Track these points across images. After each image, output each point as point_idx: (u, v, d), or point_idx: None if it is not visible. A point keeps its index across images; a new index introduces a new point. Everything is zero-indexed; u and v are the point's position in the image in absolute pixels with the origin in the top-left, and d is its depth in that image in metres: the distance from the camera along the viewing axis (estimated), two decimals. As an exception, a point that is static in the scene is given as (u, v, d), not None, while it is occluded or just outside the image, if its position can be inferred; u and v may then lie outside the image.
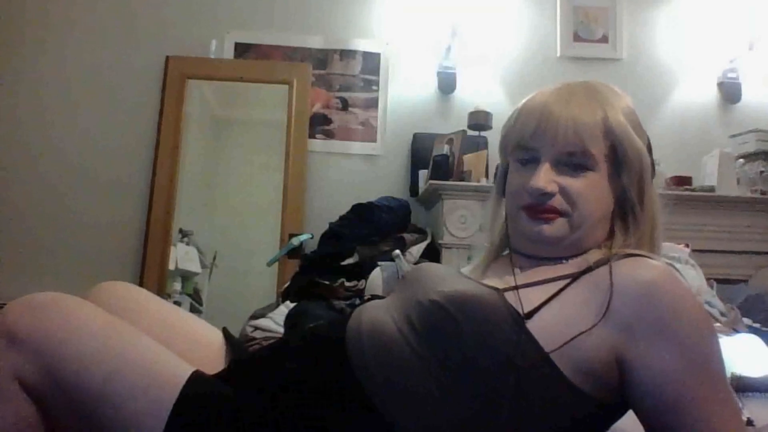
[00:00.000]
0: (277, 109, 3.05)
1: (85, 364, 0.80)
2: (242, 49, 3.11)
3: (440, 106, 3.14)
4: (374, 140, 3.11)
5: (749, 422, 1.27)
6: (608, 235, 0.97)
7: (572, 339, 0.81)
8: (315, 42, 3.13)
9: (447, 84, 3.12)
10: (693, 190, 2.73)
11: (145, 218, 2.90)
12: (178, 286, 2.91)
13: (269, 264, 2.83)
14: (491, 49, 3.12)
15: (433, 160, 2.75)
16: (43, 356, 0.80)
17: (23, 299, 0.84)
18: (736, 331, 1.76)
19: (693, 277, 1.89)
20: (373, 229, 2.62)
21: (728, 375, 1.39)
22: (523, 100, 1.01)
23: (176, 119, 2.96)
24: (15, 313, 0.82)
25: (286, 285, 2.63)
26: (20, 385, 0.80)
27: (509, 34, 3.17)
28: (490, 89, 3.11)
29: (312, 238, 2.84)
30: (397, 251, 2.34)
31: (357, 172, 3.07)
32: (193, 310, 2.91)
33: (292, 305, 2.25)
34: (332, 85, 3.12)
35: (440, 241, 2.64)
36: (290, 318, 2.10)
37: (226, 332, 1.09)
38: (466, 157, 2.74)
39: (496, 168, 1.09)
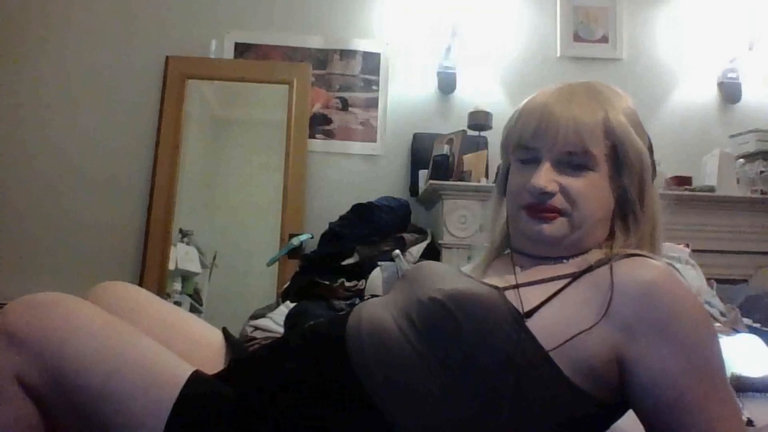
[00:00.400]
0: (277, 109, 3.05)
1: (85, 364, 0.80)
2: (242, 49, 3.11)
3: (440, 106, 3.14)
4: (374, 140, 3.11)
5: (749, 422, 1.27)
6: (609, 235, 0.97)
7: (572, 338, 0.81)
8: (315, 42, 3.13)
9: (447, 84, 3.12)
10: (693, 190, 2.73)
11: (145, 218, 2.90)
12: (178, 286, 2.91)
13: (269, 264, 2.83)
14: (491, 49, 3.12)
15: (433, 160, 2.75)
16: (43, 356, 0.80)
17: (23, 299, 0.84)
18: (736, 331, 1.76)
19: (693, 277, 1.89)
20: (373, 229, 2.62)
21: (728, 375, 1.39)
22: (525, 100, 1.01)
23: (176, 119, 2.96)
24: (15, 313, 0.82)
25: (286, 285, 2.63)
26: (20, 385, 0.80)
27: (509, 34, 3.17)
28: (490, 89, 3.11)
29: (312, 238, 2.84)
30: (397, 251, 2.34)
31: (357, 172, 3.07)
32: (193, 310, 2.91)
33: (292, 305, 2.25)
34: (332, 85, 3.13)
35: (440, 241, 2.64)
36: (290, 318, 2.10)
37: (225, 332, 1.09)
38: (466, 157, 2.74)
39: (498, 168, 1.09)
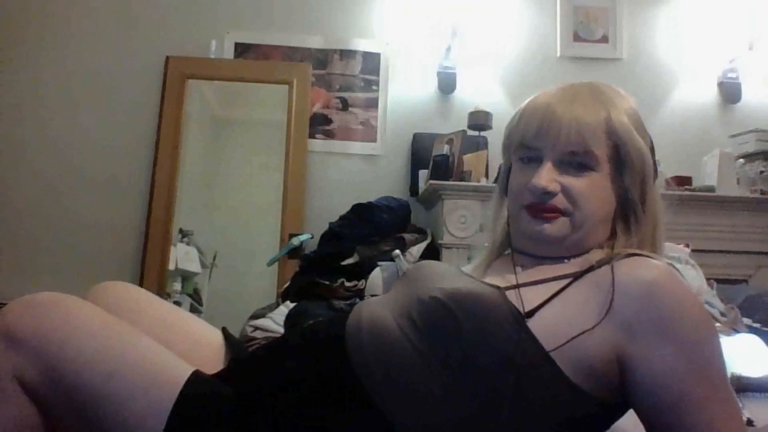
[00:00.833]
0: (277, 109, 3.05)
1: (84, 365, 0.80)
2: (242, 49, 3.11)
3: (440, 106, 3.14)
4: (374, 140, 3.11)
5: (749, 422, 1.27)
6: (610, 235, 0.97)
7: (573, 338, 0.81)
8: (315, 42, 3.13)
9: (447, 84, 3.12)
10: (693, 190, 2.73)
11: (145, 218, 2.90)
12: (178, 286, 2.91)
13: (269, 264, 2.83)
14: (491, 49, 3.12)
15: (433, 160, 2.75)
16: (43, 356, 0.80)
17: (23, 299, 0.84)
18: (736, 331, 1.76)
19: (693, 277, 1.89)
20: (373, 229, 2.62)
21: (728, 375, 1.39)
22: (527, 100, 1.01)
23: (176, 119, 2.96)
24: (15, 313, 0.82)
25: (286, 285, 2.63)
26: (20, 385, 0.80)
27: (509, 34, 3.17)
28: (490, 89, 3.11)
29: (312, 238, 2.84)
30: (397, 251, 2.34)
31: (357, 172, 3.07)
32: (193, 310, 2.91)
33: (292, 305, 2.25)
34: (332, 85, 3.12)
35: (440, 241, 2.64)
36: (290, 318, 2.10)
37: (225, 332, 1.09)
38: (466, 157, 2.74)
39: (499, 167, 1.09)
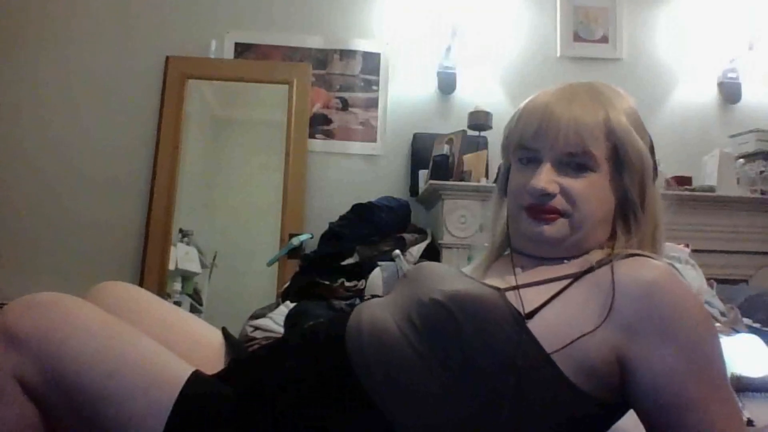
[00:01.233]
0: (277, 109, 3.05)
1: (85, 365, 0.80)
2: (242, 49, 3.11)
3: (440, 106, 3.14)
4: (374, 140, 3.11)
5: (749, 422, 1.27)
6: (610, 236, 0.97)
7: (575, 340, 0.81)
8: (315, 42, 3.13)
9: (447, 84, 3.12)
10: (693, 190, 2.73)
11: (145, 218, 2.90)
12: (178, 286, 2.91)
13: (269, 264, 2.83)
14: (491, 49, 3.12)
15: (433, 160, 2.75)
16: (44, 356, 0.80)
17: (23, 299, 0.84)
18: (736, 331, 1.76)
19: (693, 277, 1.89)
20: (373, 229, 2.62)
21: (728, 375, 1.39)
22: (525, 101, 1.01)
23: (176, 119, 2.96)
24: (15, 313, 0.82)
25: (286, 285, 2.63)
26: (20, 385, 0.80)
27: (509, 34, 3.17)
28: (490, 89, 3.11)
29: (312, 238, 2.84)
30: (397, 251, 2.34)
31: (357, 172, 3.07)
32: (193, 310, 2.91)
33: (292, 305, 2.25)
34: (332, 85, 3.12)
35: (440, 241, 2.64)
36: (290, 318, 2.10)
37: (225, 332, 1.09)
38: (466, 157, 2.74)
39: (498, 168, 1.09)
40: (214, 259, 3.01)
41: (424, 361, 0.83)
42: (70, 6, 3.07)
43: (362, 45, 3.15)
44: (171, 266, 2.86)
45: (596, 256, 0.93)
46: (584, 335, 0.81)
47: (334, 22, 3.16)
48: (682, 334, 0.81)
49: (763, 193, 2.75)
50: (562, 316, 0.84)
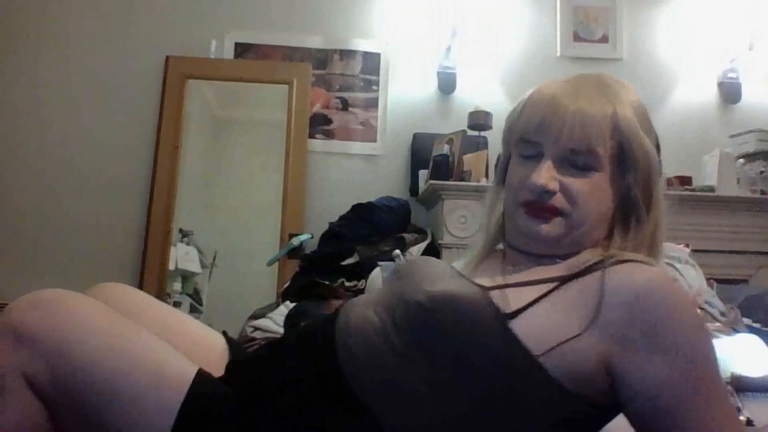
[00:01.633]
0: (277, 109, 3.05)
1: (92, 363, 0.80)
2: (242, 49, 3.11)
3: (440, 106, 3.14)
4: (374, 140, 3.11)
5: (749, 422, 1.27)
6: (607, 234, 0.94)
7: (558, 345, 0.79)
8: (315, 42, 3.13)
9: (447, 84, 3.12)
10: (693, 190, 2.73)
11: (145, 218, 2.90)
12: (178, 286, 2.91)
13: (269, 264, 2.83)
14: (491, 49, 3.12)
15: (433, 160, 2.75)
16: (50, 354, 0.79)
17: (29, 296, 0.84)
18: (736, 331, 1.76)
19: (693, 277, 1.89)
20: (373, 229, 2.62)
21: (728, 375, 1.39)
22: (530, 91, 0.98)
23: (176, 119, 2.96)
24: (20, 310, 0.82)
25: (286, 285, 2.63)
26: (27, 383, 0.79)
27: (509, 34, 3.17)
28: (490, 89, 3.11)
29: (312, 238, 2.84)
30: (397, 251, 2.34)
31: (357, 172, 3.07)
32: (193, 310, 2.91)
33: (292, 305, 2.25)
34: (332, 85, 3.13)
35: (440, 241, 2.64)
36: (290, 318, 2.10)
37: (226, 336, 1.09)
38: (466, 157, 2.74)
39: (498, 156, 1.06)
40: (214, 259, 3.01)
41: (409, 363, 0.82)
42: (70, 6, 3.07)
43: (362, 45, 3.15)
44: (171, 266, 2.86)
45: (589, 256, 0.90)
46: (568, 340, 0.79)
47: (334, 22, 3.16)
48: (673, 343, 0.79)
49: (763, 193, 2.75)
50: (546, 318, 0.82)
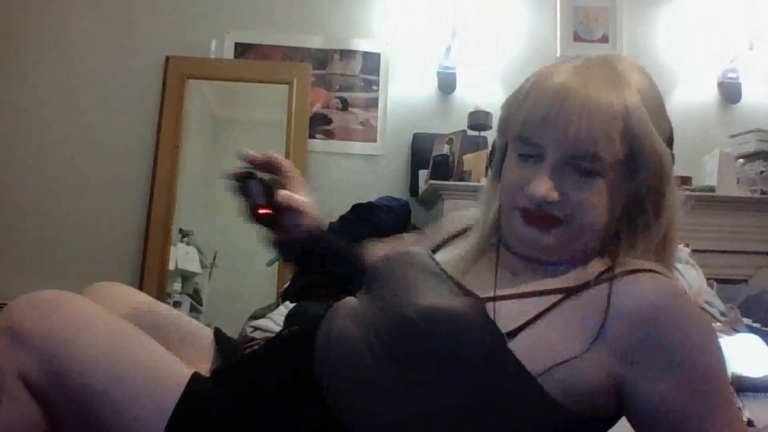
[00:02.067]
0: (277, 109, 3.05)
1: (90, 365, 0.79)
2: (242, 49, 3.11)
3: (440, 106, 3.14)
4: (374, 140, 3.11)
5: (749, 422, 1.27)
6: (614, 237, 0.89)
7: (560, 364, 0.75)
8: (315, 42, 3.13)
9: (447, 84, 3.12)
10: (693, 190, 2.73)
11: (145, 218, 2.90)
12: (178, 286, 2.91)
13: (269, 264, 2.80)
14: (491, 49, 3.12)
15: (433, 160, 2.75)
16: (47, 355, 0.79)
17: (28, 296, 0.83)
18: (736, 331, 1.76)
19: (693, 277, 1.89)
20: (373, 229, 2.62)
21: (728, 375, 1.39)
22: (535, 76, 0.88)
23: (176, 119, 2.96)
24: (19, 310, 0.81)
25: (286, 285, 2.62)
26: (24, 384, 0.79)
27: (509, 34, 3.17)
28: (490, 89, 3.11)
29: (312, 238, 2.83)
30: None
31: (357, 172, 3.07)
32: (193, 310, 2.91)
33: (292, 305, 2.25)
34: (332, 85, 3.12)
35: (440, 241, 2.63)
36: (290, 318, 2.09)
37: (218, 333, 1.09)
38: (466, 157, 2.74)
39: (493, 145, 0.98)
40: (214, 259, 3.00)
41: (392, 382, 0.79)
42: (70, 6, 3.07)
43: (362, 45, 3.14)
44: (171, 266, 2.86)
45: (596, 267, 0.85)
46: (572, 359, 0.75)
47: (334, 22, 3.16)
48: (687, 361, 0.76)
49: (763, 193, 2.75)
50: (549, 335, 0.78)
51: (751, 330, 1.81)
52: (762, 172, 2.80)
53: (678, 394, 0.75)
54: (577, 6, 3.25)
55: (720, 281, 2.22)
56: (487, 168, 1.01)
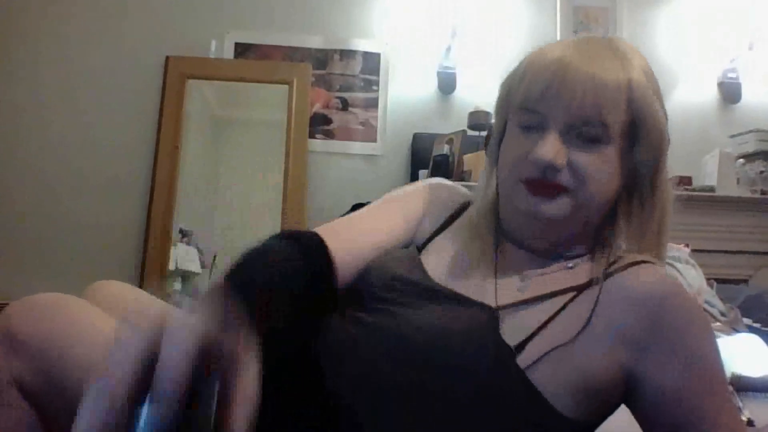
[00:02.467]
0: (277, 109, 3.05)
1: (86, 373, 0.76)
2: (242, 49, 3.11)
3: (440, 106, 3.14)
4: (374, 140, 3.11)
5: (749, 422, 1.27)
6: (609, 220, 0.87)
7: (581, 389, 0.74)
8: (315, 42, 3.13)
9: (447, 84, 3.12)
10: (693, 190, 2.73)
11: (145, 218, 2.90)
12: (178, 286, 2.91)
13: (269, 264, 2.83)
14: (491, 49, 3.12)
15: (433, 160, 2.75)
16: (45, 361, 0.76)
17: (25, 300, 0.80)
18: (736, 331, 1.76)
19: (693, 277, 1.89)
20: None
21: (728, 375, 1.39)
22: (532, 52, 0.87)
23: (176, 119, 2.96)
24: (16, 315, 0.79)
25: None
26: (20, 390, 0.77)
27: (509, 34, 3.17)
28: (490, 89, 3.08)
29: (312, 238, 2.83)
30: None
31: (357, 172, 3.07)
32: (193, 310, 2.90)
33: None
34: (332, 85, 3.13)
35: (440, 241, 2.63)
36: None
37: None
38: (466, 157, 2.74)
39: (488, 130, 0.95)
40: (214, 260, 3.01)
41: (407, 395, 0.75)
42: (70, 6, 3.07)
43: (362, 45, 3.15)
44: (171, 266, 2.87)
45: (600, 262, 0.84)
46: (588, 376, 0.74)
47: (334, 22, 3.16)
48: (694, 350, 0.77)
49: (763, 193, 2.75)
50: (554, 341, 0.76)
51: (751, 330, 1.81)
52: (762, 172, 2.80)
53: (688, 379, 0.76)
54: (577, 6, 3.26)
55: (720, 281, 2.22)
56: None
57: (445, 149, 2.78)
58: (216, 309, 0.54)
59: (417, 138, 3.04)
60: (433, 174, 2.72)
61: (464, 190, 1.03)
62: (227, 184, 3.14)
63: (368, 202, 1.00)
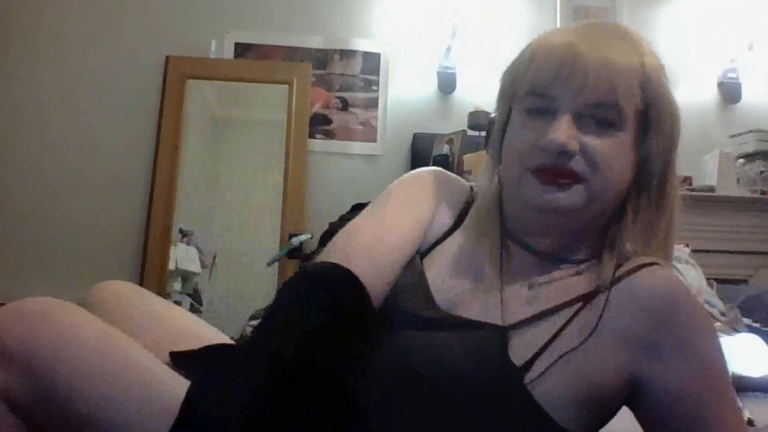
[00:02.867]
0: (277, 109, 3.05)
1: (78, 385, 0.72)
2: (242, 49, 3.11)
3: (440, 106, 3.14)
4: (374, 140, 3.11)
5: (750, 422, 1.27)
6: (617, 214, 0.83)
7: (590, 404, 0.74)
8: (315, 42, 3.13)
9: (447, 84, 3.12)
10: (693, 190, 2.73)
11: (145, 218, 2.89)
12: (178, 286, 2.91)
13: (269, 264, 2.83)
14: (491, 49, 3.12)
15: (433, 160, 2.75)
16: (32, 373, 0.72)
17: (12, 308, 0.76)
18: (736, 331, 1.76)
19: (693, 277, 1.89)
20: (373, 229, 2.61)
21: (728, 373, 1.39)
22: (535, 39, 0.83)
23: (176, 119, 2.96)
24: (2, 326, 0.74)
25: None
26: (7, 403, 0.73)
27: (509, 34, 3.17)
28: (490, 89, 3.07)
29: (312, 238, 2.83)
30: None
31: (357, 172, 3.07)
32: (193, 310, 2.90)
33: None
34: (332, 85, 3.12)
35: (440, 241, 2.63)
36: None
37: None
38: (467, 157, 2.74)
39: (489, 123, 0.94)
40: (214, 260, 3.01)
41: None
42: (70, 5, 3.07)
43: (362, 45, 3.14)
44: (171, 266, 2.86)
45: (608, 266, 0.80)
46: (598, 390, 0.74)
47: (334, 22, 3.15)
48: (700, 351, 0.77)
49: (763, 193, 2.75)
50: (570, 367, 0.75)
51: (751, 330, 1.81)
52: (762, 172, 2.80)
53: (695, 380, 0.76)
54: (577, 6, 3.26)
55: (720, 281, 2.22)
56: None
57: (445, 149, 2.78)
58: None
59: (417, 138, 3.04)
60: (433, 174, 2.71)
61: (463, 181, 1.00)
62: (227, 184, 3.14)
63: (368, 202, 0.98)
